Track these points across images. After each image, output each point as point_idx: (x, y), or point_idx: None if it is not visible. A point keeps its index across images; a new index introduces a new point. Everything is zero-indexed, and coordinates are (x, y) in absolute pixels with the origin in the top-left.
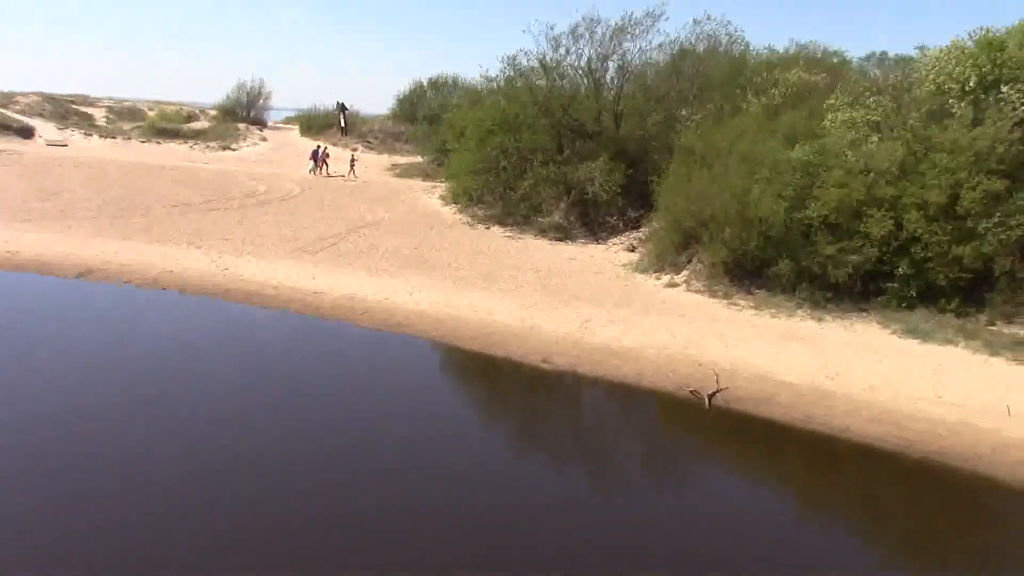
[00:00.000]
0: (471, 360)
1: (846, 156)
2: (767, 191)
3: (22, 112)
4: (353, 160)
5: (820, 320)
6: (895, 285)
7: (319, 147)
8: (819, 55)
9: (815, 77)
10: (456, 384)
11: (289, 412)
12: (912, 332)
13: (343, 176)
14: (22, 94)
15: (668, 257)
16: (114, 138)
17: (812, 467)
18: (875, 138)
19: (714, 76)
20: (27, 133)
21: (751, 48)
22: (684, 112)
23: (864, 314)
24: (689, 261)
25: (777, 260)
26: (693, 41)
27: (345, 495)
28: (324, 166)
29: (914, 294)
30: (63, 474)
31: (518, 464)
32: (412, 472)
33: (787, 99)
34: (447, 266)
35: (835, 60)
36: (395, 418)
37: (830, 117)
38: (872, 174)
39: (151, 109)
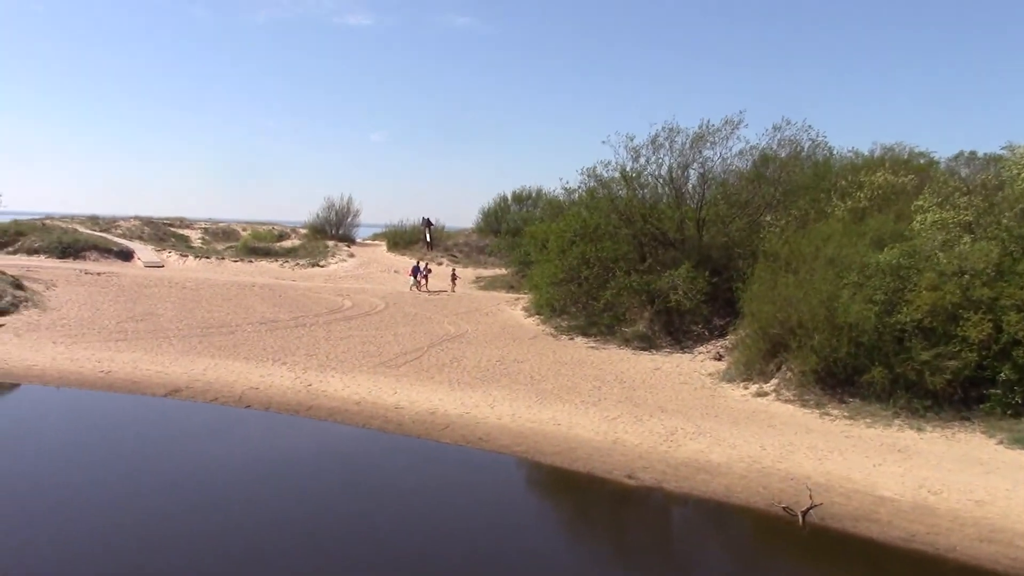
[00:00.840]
0: (553, 476)
1: (938, 258)
2: (856, 296)
3: (123, 236)
4: (455, 275)
5: (919, 430)
6: (998, 391)
7: (419, 263)
8: (905, 156)
9: (902, 179)
10: (538, 502)
11: (371, 534)
12: (1020, 442)
13: (444, 291)
14: (124, 218)
15: (756, 366)
16: (208, 258)
17: None
18: (967, 239)
19: (798, 180)
20: (127, 256)
21: (834, 151)
22: (768, 217)
23: (967, 423)
24: (778, 369)
25: (870, 367)
26: (775, 147)
27: None
28: (425, 281)
29: (1020, 400)
30: None
31: None
32: None
33: (873, 202)
34: (529, 378)
35: (922, 161)
36: (478, 538)
37: (919, 218)
38: (967, 276)
39: (244, 229)
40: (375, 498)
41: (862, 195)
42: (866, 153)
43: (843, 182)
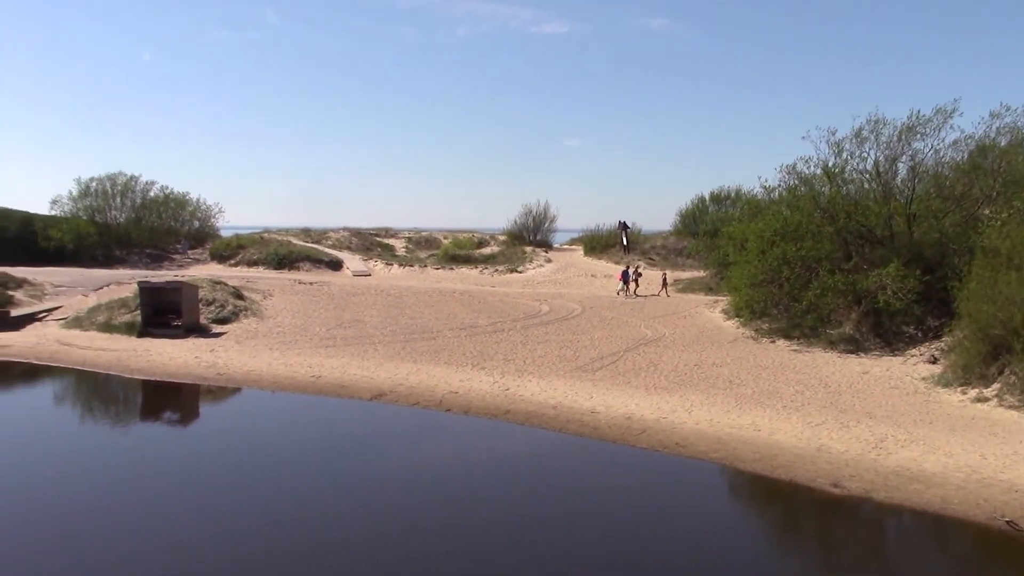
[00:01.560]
0: (753, 483)
1: None
2: None
3: (333, 246)
4: (665, 279)
5: None
6: None
7: (627, 268)
8: None
9: None
10: (738, 510)
11: (569, 540)
12: None
13: (655, 295)
14: (333, 230)
15: (975, 369)
16: (412, 266)
17: None
18: None
19: (1020, 170)
20: (336, 265)
21: None
22: (987, 211)
23: None
24: (1000, 373)
25: None
26: (993, 135)
27: None
28: (636, 285)
29: None
30: None
31: None
32: None
33: None
34: (728, 383)
35: None
36: (676, 547)
37: None
38: None
39: (446, 237)
40: (572, 503)
41: None
42: None
43: None
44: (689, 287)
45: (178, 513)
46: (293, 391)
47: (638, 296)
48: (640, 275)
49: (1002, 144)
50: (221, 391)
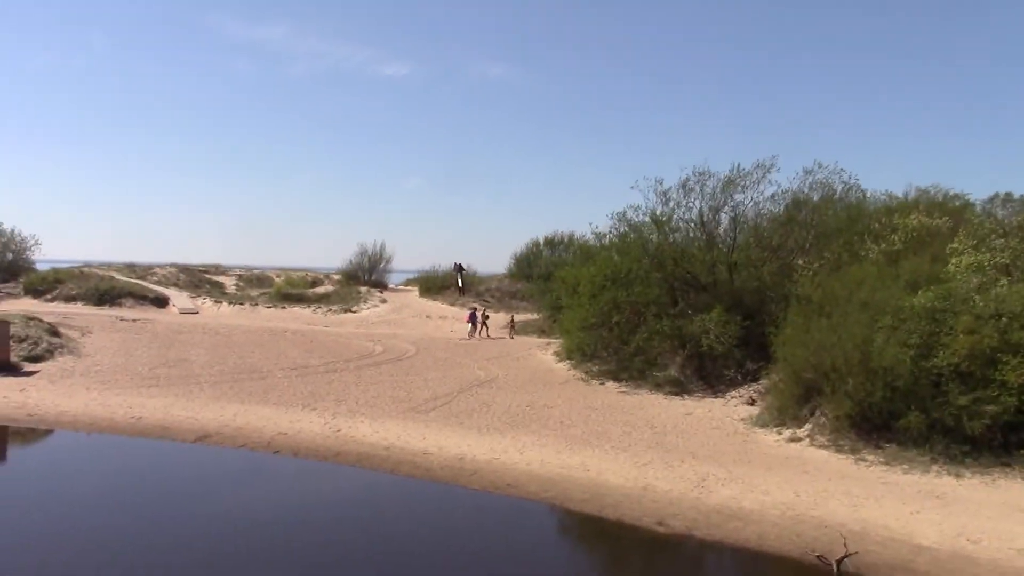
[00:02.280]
0: (583, 524)
1: (974, 301)
2: (891, 339)
3: (159, 282)
4: (512, 322)
5: (958, 476)
6: None
7: (476, 309)
8: (940, 198)
9: (937, 221)
10: (567, 550)
11: None
12: None
13: (503, 337)
14: (160, 266)
15: (789, 410)
16: (242, 304)
17: None
18: (1004, 281)
19: (830, 224)
20: (162, 302)
21: (868, 194)
22: (800, 261)
23: (1007, 468)
24: (812, 414)
25: (906, 412)
26: (807, 190)
27: None
28: (484, 328)
29: None
30: None
31: None
32: None
33: (908, 244)
34: (559, 424)
35: (957, 203)
36: None
37: (954, 261)
38: (1004, 318)
39: (278, 275)
40: (402, 545)
41: (896, 238)
42: (900, 195)
43: (877, 225)
44: (523, 329)
45: None
46: (112, 433)
47: (488, 337)
48: (488, 317)
49: (815, 199)
50: (31, 433)
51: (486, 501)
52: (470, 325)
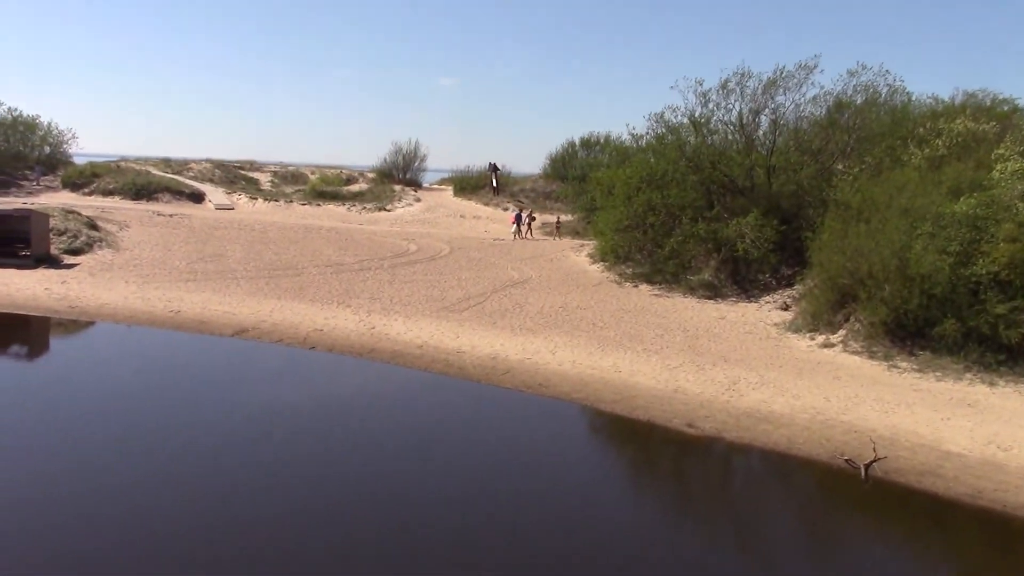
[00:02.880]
0: (613, 424)
1: (1018, 208)
2: (930, 247)
3: (195, 178)
4: (559, 223)
5: (991, 384)
6: None
7: (520, 211)
8: (988, 103)
9: (983, 126)
10: (597, 450)
11: (426, 476)
12: None
13: (547, 239)
14: (195, 161)
15: (823, 316)
16: (277, 201)
17: (981, 547)
18: None
19: (873, 128)
20: (198, 198)
21: (913, 97)
22: (840, 166)
23: None
24: (846, 320)
25: (942, 320)
26: (850, 93)
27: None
28: (529, 229)
29: None
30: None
31: (662, 538)
32: (553, 545)
33: (952, 150)
34: (592, 325)
35: (1005, 108)
36: (534, 484)
37: (999, 168)
38: None
39: (313, 173)
40: (435, 437)
41: (940, 143)
42: (946, 99)
43: (921, 129)
44: (562, 230)
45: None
46: (150, 326)
47: (532, 239)
48: (534, 219)
49: (858, 102)
50: (73, 324)
51: (518, 400)
52: (514, 226)
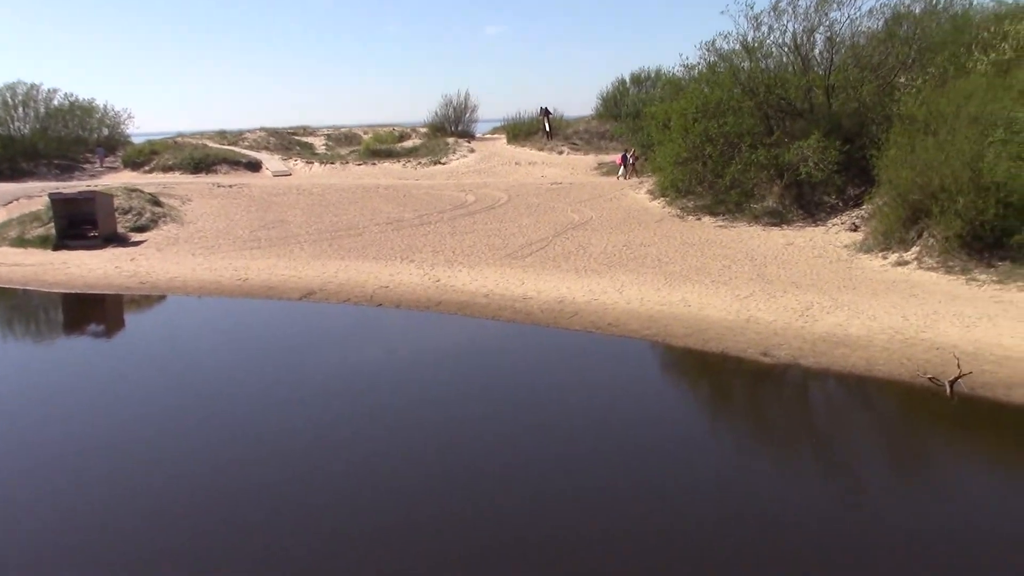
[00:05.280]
0: (686, 358)
1: None
2: (1003, 153)
3: (250, 147)
4: (636, 158)
5: None
6: None
7: (626, 152)
8: None
9: None
10: (673, 385)
11: (512, 422)
12: None
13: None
14: (250, 131)
15: (895, 234)
16: (333, 164)
17: None
18: None
19: (934, 36)
20: (255, 167)
21: (974, 2)
22: (903, 79)
23: None
24: (919, 237)
25: (1020, 228)
26: (907, 2)
27: (572, 510)
28: (633, 169)
29: None
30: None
31: (750, 470)
32: (641, 482)
33: (1020, 53)
34: (657, 261)
35: None
36: (617, 422)
37: None
38: None
39: (366, 133)
40: (511, 380)
41: (1007, 46)
42: (1010, 1)
43: (985, 34)
44: (614, 170)
45: (125, 422)
46: (220, 295)
47: (636, 178)
48: (637, 158)
49: (916, 11)
50: (146, 299)
51: (588, 340)
52: (621, 167)
